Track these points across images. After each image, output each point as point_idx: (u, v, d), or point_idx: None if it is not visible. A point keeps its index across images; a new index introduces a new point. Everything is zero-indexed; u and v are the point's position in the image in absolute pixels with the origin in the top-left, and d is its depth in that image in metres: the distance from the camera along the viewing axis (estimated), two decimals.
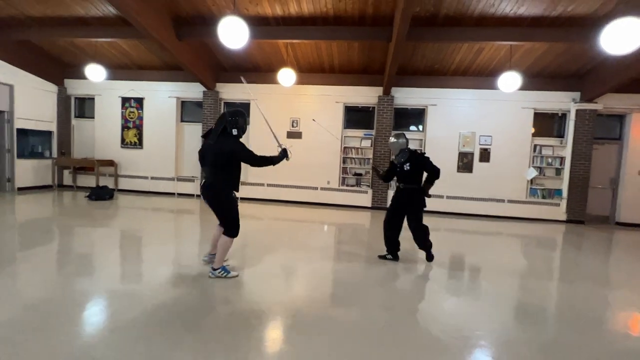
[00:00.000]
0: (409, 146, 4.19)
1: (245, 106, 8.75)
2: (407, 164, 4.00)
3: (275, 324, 2.57)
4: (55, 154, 9.16)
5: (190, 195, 8.85)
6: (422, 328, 2.59)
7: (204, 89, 8.58)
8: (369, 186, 8.36)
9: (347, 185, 8.51)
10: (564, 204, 7.73)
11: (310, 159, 8.39)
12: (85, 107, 9.49)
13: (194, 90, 8.74)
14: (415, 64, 7.57)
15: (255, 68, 8.32)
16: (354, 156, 8.45)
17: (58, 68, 8.95)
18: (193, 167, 8.91)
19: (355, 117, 8.58)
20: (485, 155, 7.96)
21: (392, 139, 4.14)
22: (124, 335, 2.26)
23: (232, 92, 8.71)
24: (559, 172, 7.87)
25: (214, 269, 3.31)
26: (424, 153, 4.21)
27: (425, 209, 4.08)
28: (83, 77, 8.00)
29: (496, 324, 2.70)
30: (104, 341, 2.18)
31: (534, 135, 7.89)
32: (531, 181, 7.90)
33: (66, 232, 5.11)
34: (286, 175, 8.51)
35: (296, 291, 3.27)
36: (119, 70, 8.84)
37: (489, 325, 2.66)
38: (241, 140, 3.26)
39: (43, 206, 7.00)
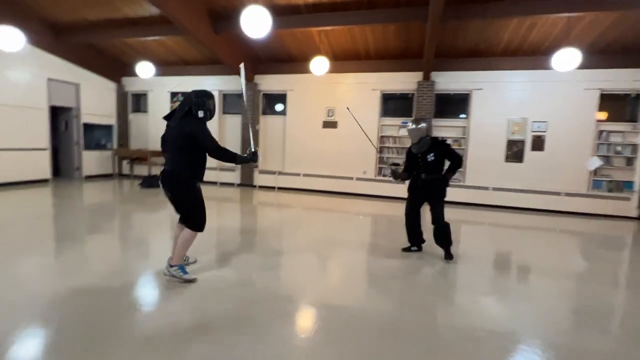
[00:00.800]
0: (429, 132, 3.76)
1: (282, 97, 8.87)
2: (432, 154, 3.67)
3: (296, 317, 2.54)
4: (115, 145, 10.11)
5: (231, 184, 9.25)
6: (436, 329, 2.42)
7: None
8: None
9: (384, 176, 8.26)
10: (635, 198, 6.74)
11: (346, 148, 8.27)
12: (140, 102, 10.30)
13: (234, 83, 9.02)
14: (458, 45, 7.02)
15: (291, 58, 8.34)
16: (391, 145, 8.15)
17: (116, 67, 9.78)
18: None
19: (393, 104, 8.25)
20: (538, 143, 7.19)
21: (411, 125, 3.74)
22: (139, 313, 2.43)
23: (269, 83, 8.85)
24: (630, 161, 6.86)
25: (171, 266, 2.91)
26: (445, 140, 3.86)
27: (445, 199, 3.81)
28: (137, 75, 8.66)
29: (533, 330, 2.43)
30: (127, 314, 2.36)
31: (600, 120, 6.94)
32: (594, 172, 6.99)
33: (120, 216, 5.65)
34: (322, 165, 8.51)
35: (318, 283, 3.23)
36: (168, 66, 9.42)
37: (522, 330, 2.40)
38: (206, 124, 2.89)
39: (105, 192, 7.80)
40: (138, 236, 4.54)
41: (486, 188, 7.51)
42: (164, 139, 2.96)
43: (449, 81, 7.59)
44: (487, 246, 4.67)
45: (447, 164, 3.78)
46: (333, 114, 8.41)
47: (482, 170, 7.55)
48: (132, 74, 9.51)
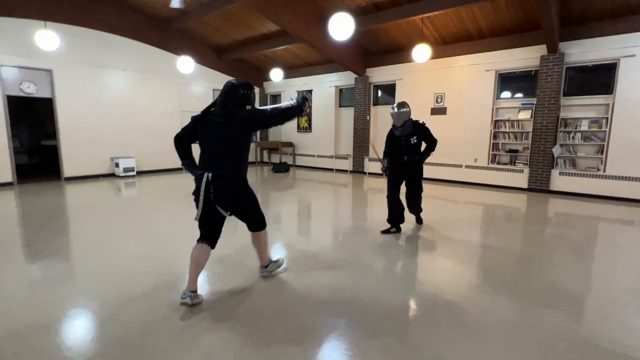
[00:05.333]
0: (411, 116, 4.04)
1: (392, 87, 9.13)
2: (415, 137, 3.99)
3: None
4: (258, 139, 12.45)
5: (345, 171, 10.16)
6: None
7: (356, 75, 9.51)
8: (525, 164, 7.20)
9: (498, 163, 7.59)
10: None
11: (455, 135, 7.97)
12: (276, 101, 12.32)
13: (348, 78, 9.82)
14: (597, 5, 5.83)
15: (399, 48, 8.51)
16: (507, 130, 7.42)
17: (258, 74, 11.97)
18: (347, 146, 10.16)
19: (511, 84, 7.45)
20: None
21: (395, 109, 3.99)
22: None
23: (380, 75, 9.26)
24: None
25: (265, 267, 2.86)
26: (424, 123, 4.05)
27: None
28: (271, 79, 10.48)
29: None
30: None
31: None
32: None
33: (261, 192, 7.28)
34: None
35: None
36: (295, 69, 10.97)
37: None
38: None
39: (250, 175, 9.87)
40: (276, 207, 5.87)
41: (636, 179, 6.05)
42: (189, 138, 2.53)
43: (585, 51, 6.37)
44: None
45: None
46: (442, 99, 8.21)
47: (632, 157, 6.10)
48: (269, 79, 11.55)
